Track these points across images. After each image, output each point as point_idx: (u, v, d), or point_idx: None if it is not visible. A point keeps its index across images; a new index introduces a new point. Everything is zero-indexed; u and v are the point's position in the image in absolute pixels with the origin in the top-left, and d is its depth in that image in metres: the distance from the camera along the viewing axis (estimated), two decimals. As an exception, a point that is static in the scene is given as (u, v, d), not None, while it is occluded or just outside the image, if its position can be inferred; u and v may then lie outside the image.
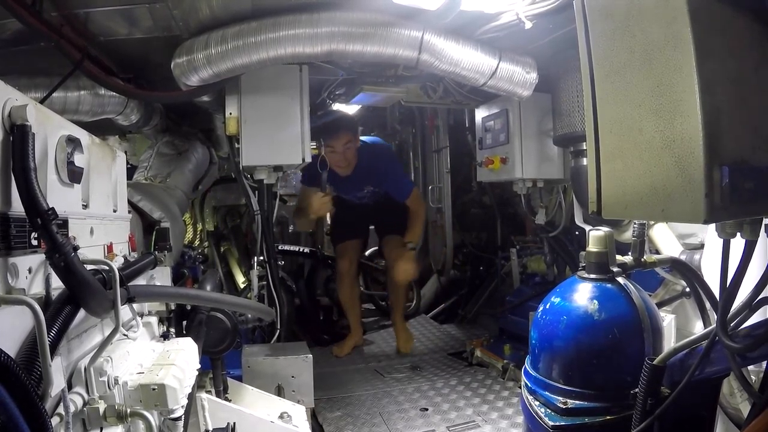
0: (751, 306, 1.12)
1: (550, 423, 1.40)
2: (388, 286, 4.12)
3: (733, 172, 0.92)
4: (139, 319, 1.53)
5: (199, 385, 1.97)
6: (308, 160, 2.69)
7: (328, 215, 5.57)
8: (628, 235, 2.33)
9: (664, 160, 1.00)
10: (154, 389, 1.26)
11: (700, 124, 0.92)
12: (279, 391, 2.43)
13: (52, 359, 0.94)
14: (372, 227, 4.33)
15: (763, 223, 1.07)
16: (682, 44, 0.94)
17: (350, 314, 4.06)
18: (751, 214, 1.03)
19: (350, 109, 4.02)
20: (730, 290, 1.11)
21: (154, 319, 1.76)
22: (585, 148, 2.63)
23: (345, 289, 4.01)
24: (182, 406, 1.33)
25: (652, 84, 1.01)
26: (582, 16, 1.18)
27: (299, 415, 2.16)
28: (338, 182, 3.71)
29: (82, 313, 1.12)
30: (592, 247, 1.52)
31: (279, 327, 2.82)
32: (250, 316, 2.62)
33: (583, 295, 1.48)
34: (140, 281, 1.65)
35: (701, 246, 2.00)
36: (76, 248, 1.07)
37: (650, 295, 1.75)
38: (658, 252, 2.16)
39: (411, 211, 3.74)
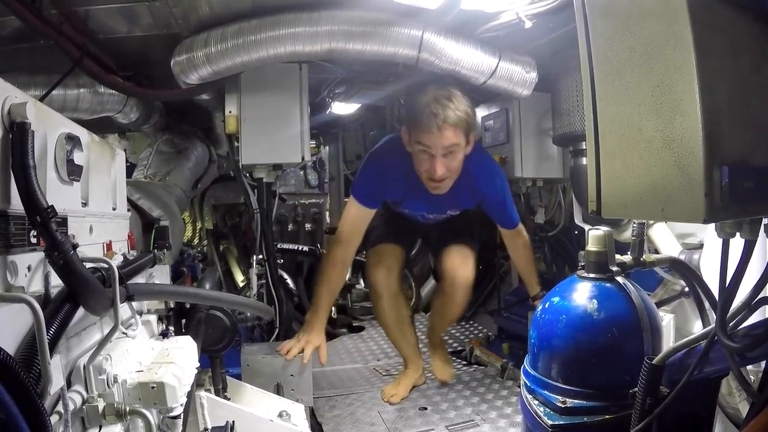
0: (750, 306, 1.12)
1: (549, 422, 1.40)
2: (438, 301, 3.06)
3: (733, 171, 0.92)
4: (138, 317, 1.53)
5: (198, 384, 1.96)
6: (307, 158, 2.67)
7: (327, 215, 5.50)
8: (627, 235, 2.33)
9: (664, 160, 0.99)
10: (153, 387, 1.26)
11: (700, 123, 0.92)
12: (278, 390, 2.43)
13: (51, 357, 0.94)
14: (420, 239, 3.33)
15: (763, 222, 1.07)
16: (683, 44, 0.94)
17: (401, 343, 2.94)
18: (750, 214, 1.03)
19: (349, 107, 4.00)
20: (729, 290, 1.11)
21: (153, 318, 1.76)
22: (585, 147, 2.63)
23: (387, 314, 2.80)
24: (181, 405, 1.33)
25: (652, 83, 1.01)
26: (582, 15, 1.17)
27: (298, 413, 2.16)
28: (408, 195, 2.62)
29: (81, 311, 1.12)
30: (591, 246, 1.52)
31: (278, 325, 2.82)
32: (249, 314, 2.62)
33: (582, 294, 1.48)
34: (139, 279, 1.64)
35: (700, 246, 2.01)
36: (75, 246, 1.07)
37: (649, 295, 1.75)
38: (657, 251, 2.16)
39: (516, 246, 2.92)
